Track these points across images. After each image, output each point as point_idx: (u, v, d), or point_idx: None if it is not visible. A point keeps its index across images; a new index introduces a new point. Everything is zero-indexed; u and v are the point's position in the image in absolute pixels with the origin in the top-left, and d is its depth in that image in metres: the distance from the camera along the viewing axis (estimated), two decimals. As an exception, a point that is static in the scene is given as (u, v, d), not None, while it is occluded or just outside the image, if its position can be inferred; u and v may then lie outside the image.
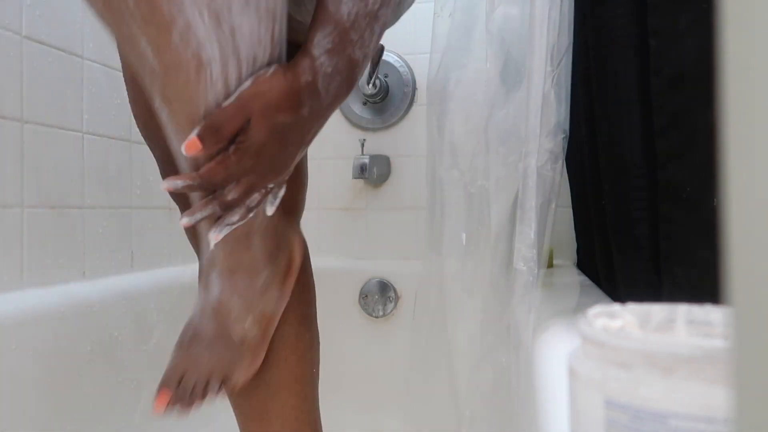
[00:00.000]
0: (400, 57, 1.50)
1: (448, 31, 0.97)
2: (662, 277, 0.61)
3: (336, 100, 0.55)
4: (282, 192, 0.62)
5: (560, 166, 0.73)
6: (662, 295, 0.60)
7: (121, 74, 0.76)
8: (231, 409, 0.78)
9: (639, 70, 0.64)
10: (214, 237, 0.59)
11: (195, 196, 0.59)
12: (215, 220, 0.59)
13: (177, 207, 0.74)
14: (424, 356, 1.02)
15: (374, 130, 1.53)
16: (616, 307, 0.31)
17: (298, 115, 0.53)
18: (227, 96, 0.51)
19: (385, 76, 1.49)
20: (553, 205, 0.74)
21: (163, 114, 0.54)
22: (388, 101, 1.51)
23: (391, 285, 1.47)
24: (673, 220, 0.58)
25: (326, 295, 1.44)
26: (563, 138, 0.73)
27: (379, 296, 1.47)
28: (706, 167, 0.53)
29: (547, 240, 0.73)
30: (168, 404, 0.64)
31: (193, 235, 0.75)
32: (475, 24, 0.96)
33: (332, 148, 1.52)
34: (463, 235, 0.98)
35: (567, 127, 0.74)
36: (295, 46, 0.55)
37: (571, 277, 1.06)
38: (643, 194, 0.65)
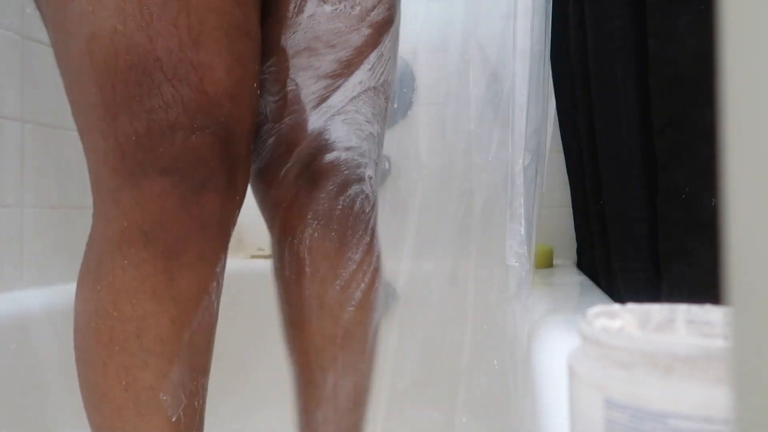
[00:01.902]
0: (400, 57, 1.50)
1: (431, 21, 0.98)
2: (662, 277, 0.61)
3: None
4: None
5: (543, 164, 0.74)
6: (662, 295, 0.60)
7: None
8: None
9: (638, 70, 0.64)
10: None
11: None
12: None
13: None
14: (410, 358, 1.02)
15: (374, 130, 1.53)
16: (616, 307, 0.31)
17: None
18: None
19: (385, 76, 1.50)
20: (538, 203, 0.75)
21: None
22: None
23: (392, 285, 1.47)
24: (673, 220, 0.58)
25: (326, 295, 1.45)
26: (543, 136, 0.75)
27: (378, 296, 1.47)
28: (705, 167, 0.53)
29: (534, 237, 0.74)
30: None
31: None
32: (451, 24, 0.97)
33: (332, 148, 1.51)
34: (439, 233, 0.98)
35: (545, 125, 0.75)
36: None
37: (571, 277, 1.06)
38: (643, 194, 0.65)
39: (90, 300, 0.55)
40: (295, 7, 0.65)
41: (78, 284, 0.57)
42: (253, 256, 1.50)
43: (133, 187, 0.53)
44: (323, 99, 0.67)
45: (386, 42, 0.71)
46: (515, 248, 0.70)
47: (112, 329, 0.54)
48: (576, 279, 1.02)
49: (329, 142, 0.67)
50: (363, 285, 0.69)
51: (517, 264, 0.70)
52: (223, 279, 0.60)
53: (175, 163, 0.54)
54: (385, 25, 0.70)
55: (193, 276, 0.58)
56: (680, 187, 0.57)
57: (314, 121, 0.67)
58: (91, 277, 0.55)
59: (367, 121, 0.69)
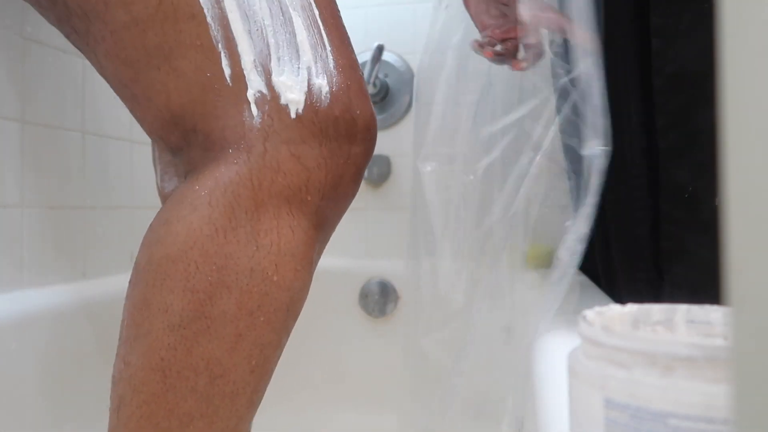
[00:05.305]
0: (400, 57, 1.50)
1: (443, 25, 0.97)
2: (662, 276, 0.61)
3: None
4: None
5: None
6: (662, 295, 0.60)
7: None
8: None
9: (641, 69, 0.64)
10: None
11: None
12: None
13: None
14: (415, 359, 1.02)
15: (374, 130, 1.53)
16: (616, 307, 0.31)
17: None
18: None
19: (385, 76, 1.49)
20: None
21: None
22: (388, 101, 1.51)
23: (392, 285, 1.47)
24: (674, 220, 0.58)
25: (326, 295, 1.45)
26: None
27: (379, 296, 1.47)
28: (707, 167, 0.53)
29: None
30: None
31: None
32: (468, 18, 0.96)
33: (332, 148, 1.51)
34: (447, 234, 0.98)
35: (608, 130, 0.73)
36: None
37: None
38: (644, 194, 0.65)
39: (240, 256, 0.45)
40: None
41: (207, 235, 0.45)
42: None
43: (321, 145, 0.47)
44: None
45: None
46: (569, 244, 0.67)
47: (266, 296, 0.45)
48: (576, 279, 1.02)
49: None
50: None
51: (568, 259, 0.67)
52: None
53: (364, 134, 0.49)
54: None
55: (318, 256, 0.51)
56: (682, 187, 0.57)
57: None
58: (243, 230, 0.45)
59: None
